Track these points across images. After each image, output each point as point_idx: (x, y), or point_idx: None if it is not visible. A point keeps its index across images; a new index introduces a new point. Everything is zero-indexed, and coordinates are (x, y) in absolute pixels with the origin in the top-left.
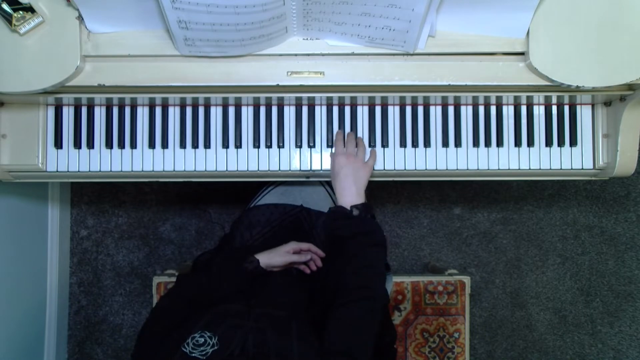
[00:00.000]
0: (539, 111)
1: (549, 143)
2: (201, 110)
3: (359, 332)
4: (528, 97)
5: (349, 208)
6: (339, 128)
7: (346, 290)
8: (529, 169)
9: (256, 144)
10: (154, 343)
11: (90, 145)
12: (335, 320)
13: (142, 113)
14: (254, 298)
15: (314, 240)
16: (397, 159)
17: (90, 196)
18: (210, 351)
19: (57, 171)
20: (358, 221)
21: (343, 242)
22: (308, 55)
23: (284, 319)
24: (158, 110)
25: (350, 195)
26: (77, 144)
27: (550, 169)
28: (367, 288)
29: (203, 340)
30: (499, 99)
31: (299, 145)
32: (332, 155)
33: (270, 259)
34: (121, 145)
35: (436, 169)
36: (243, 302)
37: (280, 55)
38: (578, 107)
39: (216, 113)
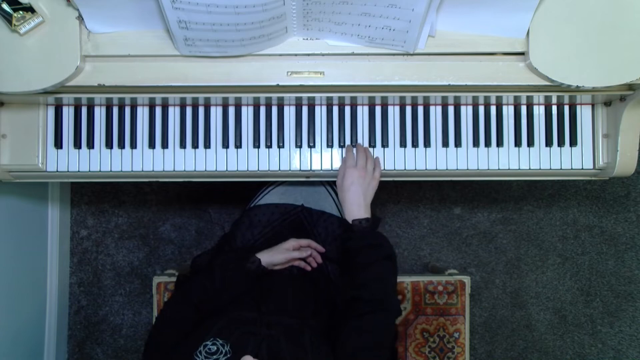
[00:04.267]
0: (539, 111)
1: (549, 143)
2: (201, 110)
3: (372, 344)
4: (528, 97)
5: (357, 222)
6: (339, 128)
7: (358, 303)
8: (529, 169)
9: (256, 144)
10: (164, 351)
11: (90, 145)
12: (348, 332)
13: (142, 113)
14: (262, 303)
15: (315, 240)
16: (397, 159)
17: (90, 196)
18: (223, 359)
19: (57, 171)
20: (365, 235)
21: (352, 255)
22: (308, 55)
23: (296, 328)
24: (158, 110)
25: (359, 209)
26: (77, 144)
27: (550, 169)
28: (378, 301)
29: (215, 348)
30: (499, 99)
31: (299, 145)
32: (342, 168)
33: (271, 257)
34: (121, 145)
35: (436, 169)
36: (253, 308)
37: (280, 55)
38: (578, 107)
39: (216, 113)
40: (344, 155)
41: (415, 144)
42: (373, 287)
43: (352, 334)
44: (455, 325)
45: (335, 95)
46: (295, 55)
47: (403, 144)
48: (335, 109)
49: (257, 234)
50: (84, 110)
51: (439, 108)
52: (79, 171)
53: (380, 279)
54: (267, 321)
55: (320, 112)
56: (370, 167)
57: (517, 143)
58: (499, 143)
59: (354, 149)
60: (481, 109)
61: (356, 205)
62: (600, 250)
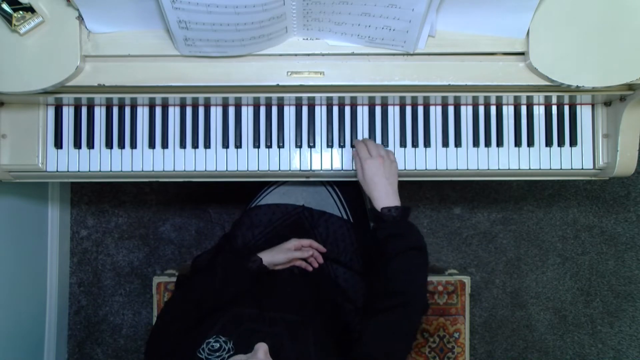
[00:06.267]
0: (539, 111)
1: (549, 143)
2: (201, 110)
3: (394, 339)
4: (528, 97)
5: (387, 209)
6: (339, 128)
7: (381, 296)
8: (529, 169)
9: (256, 144)
10: (165, 350)
11: (90, 145)
12: (370, 325)
13: (142, 113)
14: (264, 300)
15: (316, 240)
16: (397, 159)
17: (90, 196)
18: (226, 356)
19: (57, 171)
20: (395, 222)
21: (381, 245)
22: (308, 55)
23: (298, 324)
24: (158, 110)
25: (387, 197)
26: (77, 144)
27: (550, 169)
28: (402, 294)
29: (218, 345)
30: (499, 99)
31: (299, 145)
32: (358, 162)
33: (273, 256)
34: (121, 145)
35: (436, 169)
36: (255, 305)
37: (280, 55)
38: (578, 107)
39: (216, 113)
40: (355, 149)
41: (415, 144)
42: (400, 279)
43: (373, 328)
44: (455, 325)
45: (335, 95)
46: (295, 55)
47: (403, 144)
48: (335, 109)
49: (258, 234)
50: (84, 110)
51: (439, 108)
52: (79, 171)
53: (408, 271)
54: (269, 318)
55: (320, 112)
56: (383, 150)
57: (517, 143)
58: (499, 143)
59: (364, 141)
60: (481, 109)
61: (384, 193)
62: (600, 250)
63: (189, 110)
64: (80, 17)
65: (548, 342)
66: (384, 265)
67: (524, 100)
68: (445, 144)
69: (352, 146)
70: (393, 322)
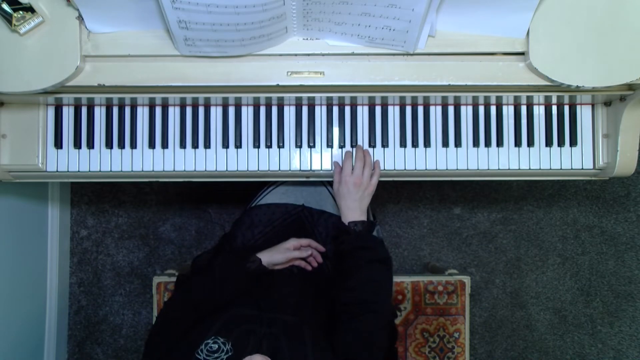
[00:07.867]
0: (539, 111)
1: (549, 143)
2: (201, 110)
3: (365, 346)
4: (528, 97)
5: (353, 224)
6: (339, 128)
7: (350, 305)
8: (529, 169)
9: (256, 144)
10: (164, 351)
11: (90, 145)
12: (342, 333)
13: (142, 113)
14: (262, 301)
15: (316, 239)
16: (397, 159)
17: (90, 196)
18: (224, 357)
19: (57, 171)
20: (358, 237)
21: (345, 257)
22: (308, 55)
23: (296, 325)
24: (158, 110)
25: (354, 214)
26: (77, 144)
27: (550, 169)
28: (370, 303)
29: (217, 346)
30: (499, 99)
31: (299, 145)
32: (338, 175)
33: (272, 256)
34: (121, 145)
35: (436, 169)
36: (253, 306)
37: (280, 55)
38: (578, 107)
39: (216, 113)
40: (341, 161)
41: (415, 144)
42: (364, 289)
43: (345, 335)
44: (455, 325)
45: (335, 95)
46: (295, 55)
47: (403, 144)
48: (335, 109)
49: (258, 233)
50: (84, 110)
51: (439, 108)
52: (79, 171)
53: (372, 281)
54: (267, 319)
55: (320, 112)
56: (367, 174)
57: (517, 143)
58: (499, 143)
59: (353, 154)
60: (481, 109)
61: (351, 210)
62: (600, 250)
63: (189, 110)
64: (80, 17)
65: (548, 342)
66: (350, 276)
67: (524, 100)
68: (445, 144)
69: (352, 146)
70: (361, 327)
